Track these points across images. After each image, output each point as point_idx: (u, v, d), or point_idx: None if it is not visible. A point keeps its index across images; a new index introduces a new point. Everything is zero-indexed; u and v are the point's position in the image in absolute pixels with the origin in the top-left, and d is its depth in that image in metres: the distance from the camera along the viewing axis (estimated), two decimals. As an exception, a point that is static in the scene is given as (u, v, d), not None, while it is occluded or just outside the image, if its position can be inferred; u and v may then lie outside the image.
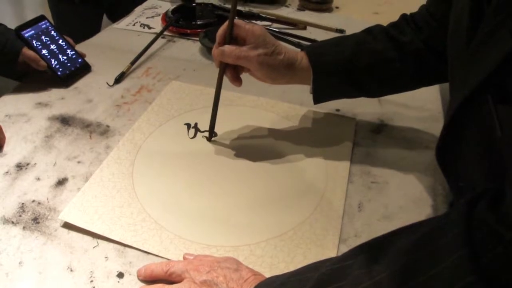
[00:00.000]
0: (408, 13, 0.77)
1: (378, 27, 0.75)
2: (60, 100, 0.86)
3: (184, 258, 0.57)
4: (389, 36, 0.73)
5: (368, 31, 0.75)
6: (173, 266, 0.53)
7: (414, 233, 0.43)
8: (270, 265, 0.57)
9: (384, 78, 0.74)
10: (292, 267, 0.54)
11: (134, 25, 1.19)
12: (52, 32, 0.93)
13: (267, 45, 0.68)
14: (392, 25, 0.75)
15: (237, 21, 0.68)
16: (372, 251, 0.45)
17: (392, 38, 0.73)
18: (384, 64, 0.72)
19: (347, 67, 0.72)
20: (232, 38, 0.68)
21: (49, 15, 1.32)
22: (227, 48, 0.67)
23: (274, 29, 1.14)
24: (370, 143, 0.78)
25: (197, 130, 0.79)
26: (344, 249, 0.59)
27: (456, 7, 0.59)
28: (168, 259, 0.57)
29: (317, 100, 0.76)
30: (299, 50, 0.74)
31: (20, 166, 0.71)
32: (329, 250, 0.59)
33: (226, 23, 0.68)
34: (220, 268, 0.52)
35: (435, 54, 0.71)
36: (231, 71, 0.71)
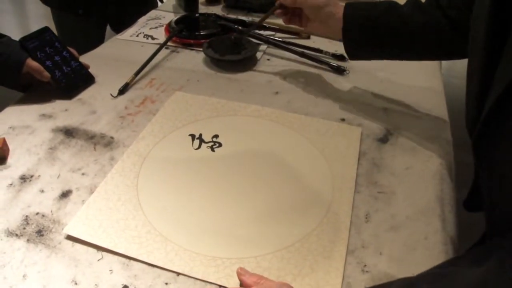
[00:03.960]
0: None
1: None
2: (64, 111, 0.86)
3: (239, 274, 0.55)
4: (437, 4, 0.77)
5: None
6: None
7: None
8: (277, 277, 0.56)
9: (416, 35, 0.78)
10: (299, 279, 0.53)
11: (137, 36, 1.19)
12: (56, 44, 0.93)
13: None
14: None
15: None
16: None
17: (439, 6, 0.77)
18: (404, 25, 0.77)
19: (376, 23, 0.79)
20: None
21: (52, 27, 1.33)
22: None
23: (278, 39, 1.14)
24: (376, 153, 0.78)
25: (201, 141, 0.79)
26: (352, 260, 0.58)
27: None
28: (174, 271, 0.56)
29: (350, 54, 0.85)
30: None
31: (24, 178, 0.70)
32: (337, 262, 0.58)
33: None
34: None
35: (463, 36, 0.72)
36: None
